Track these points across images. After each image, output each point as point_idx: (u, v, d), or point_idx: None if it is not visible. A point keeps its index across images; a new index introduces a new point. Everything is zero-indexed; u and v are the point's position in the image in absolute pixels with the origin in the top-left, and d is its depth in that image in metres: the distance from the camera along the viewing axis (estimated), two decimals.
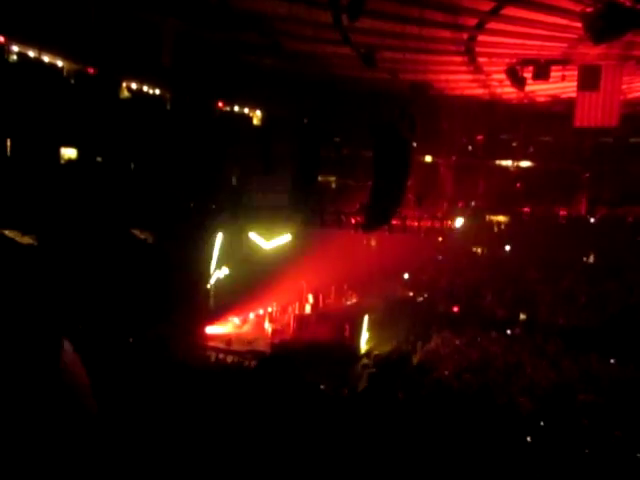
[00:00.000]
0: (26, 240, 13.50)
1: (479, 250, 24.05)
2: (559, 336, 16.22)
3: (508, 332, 17.40)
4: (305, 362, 13.71)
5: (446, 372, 13.82)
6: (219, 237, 18.31)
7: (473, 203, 24.40)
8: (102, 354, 11.28)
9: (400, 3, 11.66)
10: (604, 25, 10.25)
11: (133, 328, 12.99)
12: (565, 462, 7.89)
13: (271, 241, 19.62)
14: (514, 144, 25.03)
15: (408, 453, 8.00)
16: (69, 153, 16.26)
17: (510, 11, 11.77)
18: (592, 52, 13.67)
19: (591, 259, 21.93)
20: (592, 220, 23.34)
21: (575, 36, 12.72)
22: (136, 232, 16.22)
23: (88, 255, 13.83)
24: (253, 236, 19.53)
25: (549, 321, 18.02)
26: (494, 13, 11.91)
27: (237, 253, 19.04)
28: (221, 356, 15.21)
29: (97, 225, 14.64)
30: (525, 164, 25.31)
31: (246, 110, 21.01)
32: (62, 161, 16.02)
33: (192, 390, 8.95)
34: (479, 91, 19.52)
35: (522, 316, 18.58)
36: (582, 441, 8.74)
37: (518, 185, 24.94)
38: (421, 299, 20.85)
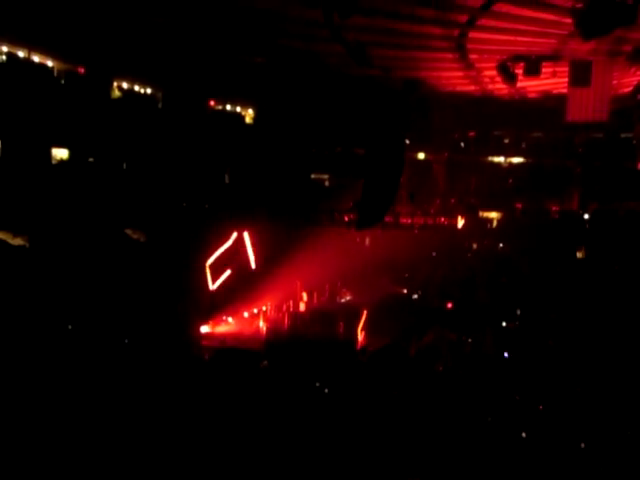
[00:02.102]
0: (18, 242, 13.42)
1: (472, 246, 24.12)
2: (552, 331, 16.32)
3: (503, 324, 17.52)
4: (300, 359, 13.73)
5: (440, 368, 13.87)
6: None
7: (465, 199, 24.47)
8: (94, 355, 11.25)
9: (391, 0, 11.68)
10: (594, 21, 10.30)
11: (127, 329, 12.96)
12: None
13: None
14: (506, 140, 25.12)
15: (400, 443, 8.06)
16: (61, 153, 16.16)
17: (500, 7, 11.80)
18: (582, 48, 13.74)
19: (583, 254, 22.03)
20: (585, 216, 23.44)
21: (565, 32, 12.77)
22: (129, 232, 16.15)
23: (81, 256, 13.76)
24: None
25: (543, 316, 18.11)
26: (485, 9, 11.94)
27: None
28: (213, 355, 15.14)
29: (90, 225, 14.56)
30: (517, 160, 25.40)
31: (238, 109, 20.96)
32: (54, 162, 15.92)
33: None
34: (471, 87, 19.57)
35: (517, 311, 18.71)
36: None
37: (510, 181, 25.03)
38: (415, 296, 20.90)
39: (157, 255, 15.84)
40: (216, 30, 14.78)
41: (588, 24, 10.58)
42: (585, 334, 15.53)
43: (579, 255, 21.96)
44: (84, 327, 12.86)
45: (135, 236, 16.30)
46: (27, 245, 13.51)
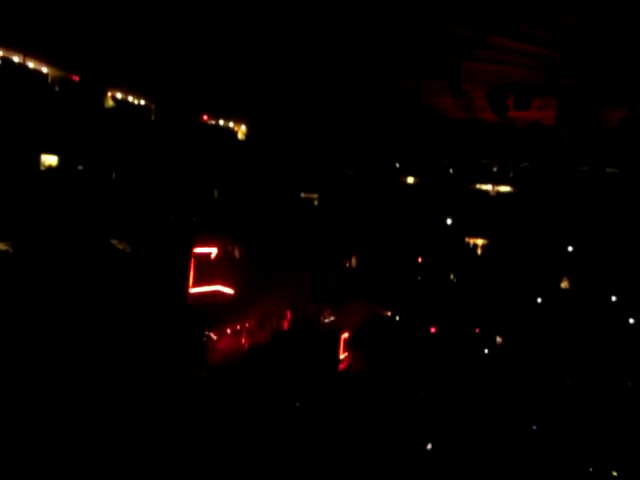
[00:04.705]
0: (1, 247, 13.27)
1: (458, 271, 24.25)
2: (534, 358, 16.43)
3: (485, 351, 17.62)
4: (281, 379, 13.64)
5: (422, 393, 13.89)
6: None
7: (450, 222, 24.69)
8: (75, 364, 11.08)
9: None
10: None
11: (107, 339, 12.80)
12: None
13: None
14: (494, 169, 25.45)
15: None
16: (50, 160, 16.07)
17: (493, 40, 12.09)
18: (570, 83, 14.06)
19: (566, 284, 22.26)
20: (570, 249, 23.69)
21: (554, 67, 13.08)
22: (114, 242, 16.04)
23: (65, 264, 13.62)
24: None
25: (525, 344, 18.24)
26: (477, 41, 12.22)
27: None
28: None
29: (75, 234, 14.45)
30: (505, 189, 25.72)
31: (231, 124, 21.06)
32: (42, 168, 15.82)
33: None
34: (461, 115, 19.89)
35: (498, 339, 18.82)
36: None
37: (498, 209, 25.30)
38: (399, 318, 20.94)
39: (141, 267, 15.72)
40: (212, 45, 14.91)
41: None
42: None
43: (563, 285, 22.18)
44: (65, 334, 12.70)
45: (121, 247, 16.19)
46: (10, 251, 13.36)
